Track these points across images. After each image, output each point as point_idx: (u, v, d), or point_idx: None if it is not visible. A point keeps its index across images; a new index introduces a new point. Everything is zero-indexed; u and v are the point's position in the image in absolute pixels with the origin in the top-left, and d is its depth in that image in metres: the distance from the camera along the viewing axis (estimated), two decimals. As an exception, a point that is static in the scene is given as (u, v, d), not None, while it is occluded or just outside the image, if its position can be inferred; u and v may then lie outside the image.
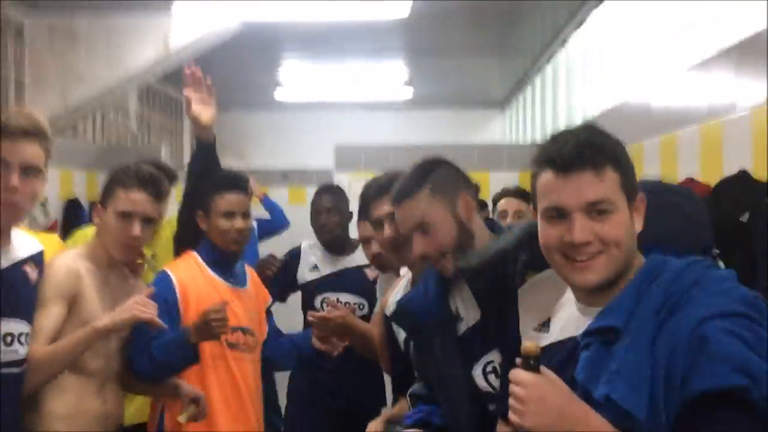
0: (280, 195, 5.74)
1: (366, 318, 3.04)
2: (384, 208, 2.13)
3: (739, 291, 1.19)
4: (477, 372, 1.73)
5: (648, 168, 3.73)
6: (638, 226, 1.29)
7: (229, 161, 3.29)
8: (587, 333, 1.25)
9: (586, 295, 1.30)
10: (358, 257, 3.31)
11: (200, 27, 5.99)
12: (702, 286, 1.19)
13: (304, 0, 5.33)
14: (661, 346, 1.15)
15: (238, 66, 7.98)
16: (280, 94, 9.70)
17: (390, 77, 8.78)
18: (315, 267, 3.44)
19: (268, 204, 4.95)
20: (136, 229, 2.16)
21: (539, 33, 6.80)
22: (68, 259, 2.15)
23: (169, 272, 2.49)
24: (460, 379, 1.75)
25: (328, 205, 3.41)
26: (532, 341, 1.24)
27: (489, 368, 1.73)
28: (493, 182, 5.60)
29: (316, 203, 3.45)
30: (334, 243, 3.43)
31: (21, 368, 1.97)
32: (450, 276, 1.77)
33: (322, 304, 3.36)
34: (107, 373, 2.21)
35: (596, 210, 1.24)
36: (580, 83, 6.03)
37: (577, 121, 5.97)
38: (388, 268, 2.56)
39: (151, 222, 2.20)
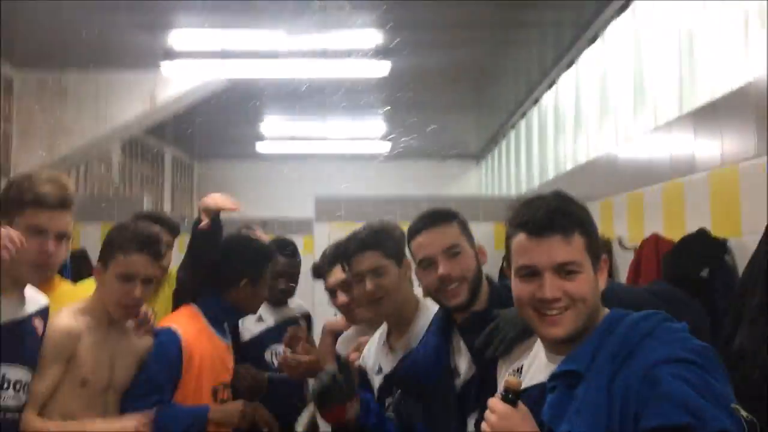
0: (260, 245, 5.80)
1: None
2: (366, 263, 2.19)
3: (689, 341, 1.33)
4: (471, 423, 1.84)
5: (617, 223, 3.91)
6: (602, 284, 1.44)
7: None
8: (553, 377, 1.39)
9: (554, 346, 1.44)
10: (294, 307, 3.36)
11: (186, 82, 6.16)
12: (655, 335, 1.33)
13: (287, 59, 5.52)
14: (617, 388, 1.29)
15: (222, 119, 8.15)
16: (261, 147, 9.88)
17: (369, 131, 8.99)
18: (260, 318, 3.25)
19: None
20: (138, 291, 2.16)
21: (513, 91, 7.05)
22: (69, 318, 2.16)
23: (177, 331, 2.43)
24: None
25: (291, 270, 3.27)
26: (515, 377, 1.37)
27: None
28: (469, 234, 5.76)
29: (279, 266, 3.12)
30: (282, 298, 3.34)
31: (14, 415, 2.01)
32: (456, 305, 1.89)
33: (273, 357, 3.16)
34: None
35: (565, 270, 1.40)
36: (552, 140, 6.24)
37: (550, 175, 6.18)
38: (357, 319, 2.66)
39: (151, 281, 2.22)
